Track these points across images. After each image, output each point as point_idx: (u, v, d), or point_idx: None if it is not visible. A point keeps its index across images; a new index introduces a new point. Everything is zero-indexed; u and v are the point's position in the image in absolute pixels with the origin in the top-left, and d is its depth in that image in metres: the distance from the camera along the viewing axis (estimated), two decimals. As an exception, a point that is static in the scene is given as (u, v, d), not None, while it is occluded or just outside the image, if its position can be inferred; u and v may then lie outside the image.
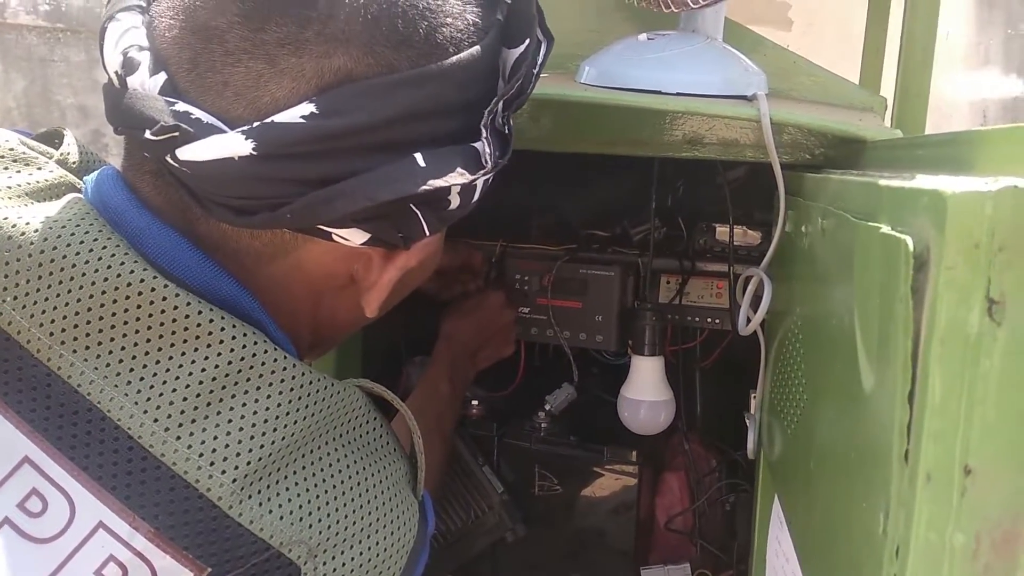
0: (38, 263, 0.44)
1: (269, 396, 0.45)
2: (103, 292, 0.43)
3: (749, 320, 0.74)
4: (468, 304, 1.00)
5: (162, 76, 0.44)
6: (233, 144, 0.42)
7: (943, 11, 0.94)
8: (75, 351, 0.43)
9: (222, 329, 0.44)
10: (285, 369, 0.45)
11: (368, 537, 0.47)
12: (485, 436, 1.06)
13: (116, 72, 0.44)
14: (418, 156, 0.44)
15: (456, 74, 0.45)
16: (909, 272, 0.35)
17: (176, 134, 0.42)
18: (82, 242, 0.44)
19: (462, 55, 0.45)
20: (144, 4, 0.47)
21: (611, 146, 0.77)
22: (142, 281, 0.44)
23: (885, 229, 0.39)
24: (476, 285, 1.03)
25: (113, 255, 0.44)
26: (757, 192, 0.89)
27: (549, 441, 1.05)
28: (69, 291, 0.44)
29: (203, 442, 0.43)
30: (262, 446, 0.44)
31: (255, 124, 0.42)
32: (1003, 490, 0.36)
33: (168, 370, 0.43)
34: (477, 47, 0.45)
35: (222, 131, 0.42)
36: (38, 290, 0.44)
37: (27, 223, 0.45)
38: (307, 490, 0.45)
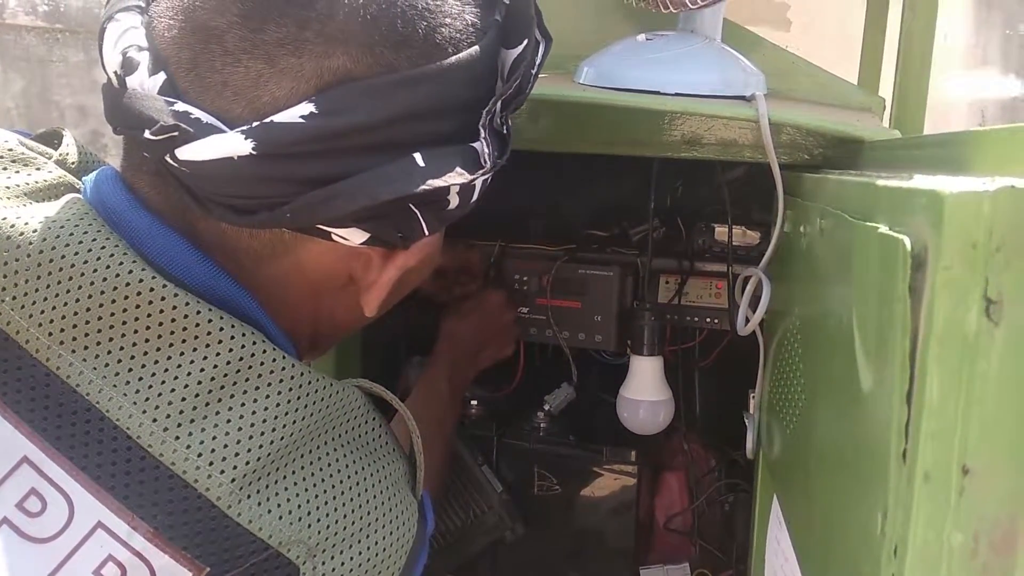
0: (37, 263, 0.44)
1: (268, 396, 0.45)
2: (102, 292, 0.44)
3: (748, 320, 0.74)
4: (468, 304, 1.00)
5: (161, 76, 0.44)
6: (232, 144, 0.42)
7: (941, 12, 0.94)
8: (74, 351, 0.43)
9: (221, 329, 0.44)
10: (284, 369, 0.45)
11: (367, 537, 0.47)
12: (484, 436, 1.06)
13: (115, 72, 0.44)
14: (417, 156, 0.44)
15: (455, 74, 0.45)
16: (907, 272, 0.35)
17: (175, 134, 0.42)
18: (81, 242, 0.44)
19: (461, 55, 0.45)
20: (143, 4, 0.47)
21: (610, 146, 0.77)
22: (141, 281, 0.44)
23: (883, 229, 0.39)
24: (476, 286, 1.03)
25: (112, 255, 0.44)
26: (756, 192, 0.89)
27: (548, 441, 1.05)
28: (68, 291, 0.44)
29: (202, 442, 0.43)
30: (261, 446, 0.44)
31: (254, 124, 0.42)
32: (1001, 490, 0.36)
33: (167, 370, 0.44)
34: (476, 47, 0.46)
35: (221, 131, 0.42)
36: (37, 290, 0.44)
37: (26, 223, 0.45)
38: (306, 490, 0.45)
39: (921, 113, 0.96)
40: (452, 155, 0.45)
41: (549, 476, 1.05)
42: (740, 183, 0.94)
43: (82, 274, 0.44)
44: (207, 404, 0.44)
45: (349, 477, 0.47)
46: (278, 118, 0.42)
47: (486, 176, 0.48)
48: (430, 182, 0.44)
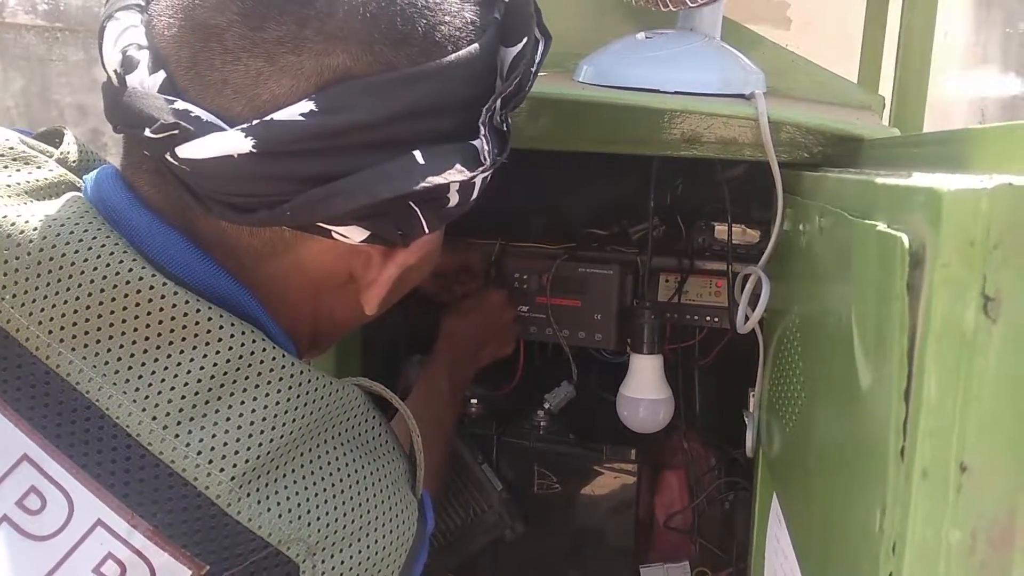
0: (37, 261, 0.44)
1: (268, 395, 0.45)
2: (102, 290, 0.44)
3: (747, 318, 0.74)
4: (468, 303, 1.00)
5: (161, 74, 0.44)
6: (233, 142, 0.42)
7: (941, 10, 0.94)
8: (74, 349, 0.44)
9: (221, 327, 0.44)
10: (284, 368, 0.45)
11: (367, 535, 0.47)
12: (484, 434, 1.06)
13: (115, 71, 0.45)
14: (417, 153, 0.44)
15: (455, 72, 0.45)
16: (905, 269, 0.35)
17: (176, 132, 0.42)
18: (81, 240, 0.44)
19: (460, 53, 0.45)
20: (143, 3, 0.47)
21: (609, 145, 0.77)
22: (141, 279, 0.44)
23: (881, 227, 0.39)
24: (476, 285, 1.03)
25: (112, 253, 0.44)
26: (756, 191, 0.89)
27: (548, 440, 1.05)
28: (68, 289, 0.44)
29: (201, 440, 0.43)
30: (260, 444, 0.44)
31: (254, 122, 0.42)
32: (999, 487, 0.36)
33: (167, 368, 0.44)
34: (475, 45, 0.46)
35: (221, 129, 0.42)
36: (37, 288, 0.44)
37: (26, 221, 0.45)
38: (306, 488, 0.45)
39: (921, 111, 0.96)
40: (452, 153, 0.45)
41: (549, 475, 1.05)
42: (740, 181, 0.94)
43: (82, 272, 0.44)
44: (207, 403, 0.44)
45: (349, 476, 0.47)
46: (278, 116, 0.42)
47: (486, 174, 0.48)
48: (430, 180, 0.44)
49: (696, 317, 1.00)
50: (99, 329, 0.44)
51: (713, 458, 1.08)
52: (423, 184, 0.44)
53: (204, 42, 0.43)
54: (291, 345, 0.51)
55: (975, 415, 0.35)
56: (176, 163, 0.43)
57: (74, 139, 0.54)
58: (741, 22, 0.90)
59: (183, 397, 0.43)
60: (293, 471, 0.45)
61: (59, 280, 0.44)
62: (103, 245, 0.44)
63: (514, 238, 1.04)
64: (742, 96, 0.69)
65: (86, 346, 0.44)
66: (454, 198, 0.47)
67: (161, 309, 0.44)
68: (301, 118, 0.42)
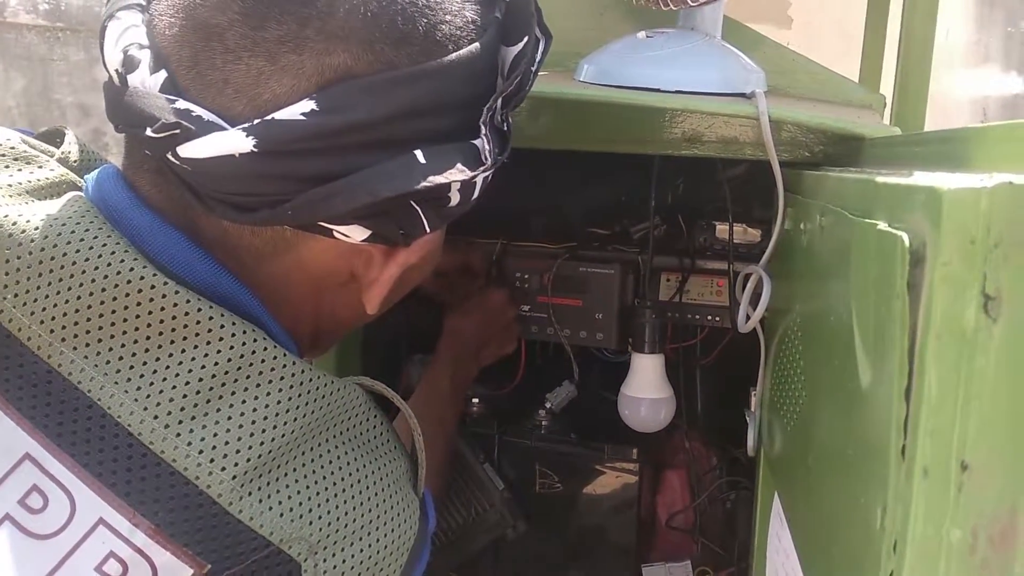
0: (39, 260, 0.44)
1: (269, 394, 0.45)
2: (103, 289, 0.44)
3: (749, 317, 0.74)
4: (470, 303, 1.00)
5: (162, 74, 0.44)
6: (234, 141, 0.42)
7: (942, 9, 0.94)
8: (75, 348, 0.44)
9: (222, 327, 0.44)
10: (285, 367, 0.45)
11: (368, 534, 0.47)
12: (486, 434, 1.06)
13: (116, 70, 0.45)
14: (418, 153, 0.44)
15: (455, 71, 0.45)
16: (905, 268, 0.35)
17: (177, 131, 0.42)
18: (82, 240, 0.44)
19: (461, 52, 0.45)
20: (144, 2, 0.47)
21: (610, 144, 0.77)
22: (142, 279, 0.44)
23: (882, 226, 0.39)
24: (477, 284, 1.03)
25: (113, 253, 0.44)
26: (756, 190, 0.89)
27: (550, 439, 1.05)
28: (69, 288, 0.44)
29: (203, 439, 0.43)
30: (262, 443, 0.44)
31: (256, 121, 0.42)
32: (999, 485, 0.36)
33: (168, 367, 0.44)
34: (476, 44, 0.46)
35: (223, 128, 0.42)
36: (38, 287, 0.44)
37: (28, 221, 0.45)
38: (307, 487, 0.45)
39: (922, 110, 0.96)
40: (453, 152, 0.45)
41: (551, 474, 1.05)
42: (741, 180, 0.94)
43: (83, 271, 0.44)
44: (208, 402, 0.44)
45: (351, 475, 0.47)
46: (279, 115, 0.42)
47: (487, 173, 0.48)
48: (431, 179, 0.44)
49: (697, 316, 1.00)
50: (100, 328, 0.44)
51: (715, 457, 1.08)
52: (424, 183, 0.44)
53: (205, 41, 0.43)
54: (292, 344, 0.51)
55: (976, 413, 0.35)
56: (177, 162, 0.43)
57: (75, 139, 0.54)
58: (742, 21, 0.90)
59: (184, 396, 0.43)
60: (295, 470, 0.45)
61: (60, 279, 0.44)
62: (104, 244, 0.44)
63: (515, 237, 1.04)
64: (743, 95, 0.69)
65: (87, 345, 0.44)
66: (455, 197, 0.48)
67: (162, 308, 0.44)
68: (302, 117, 0.42)
